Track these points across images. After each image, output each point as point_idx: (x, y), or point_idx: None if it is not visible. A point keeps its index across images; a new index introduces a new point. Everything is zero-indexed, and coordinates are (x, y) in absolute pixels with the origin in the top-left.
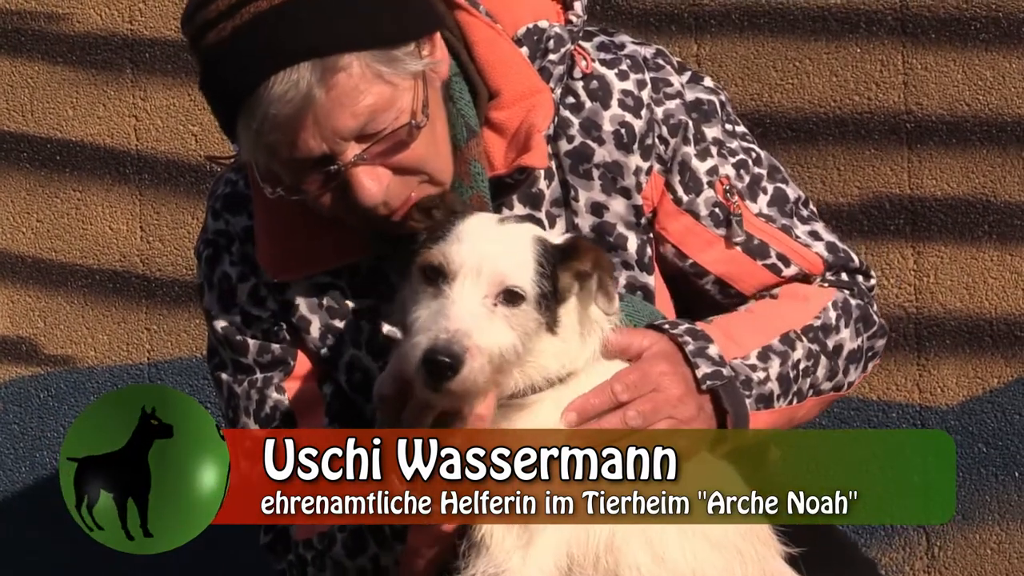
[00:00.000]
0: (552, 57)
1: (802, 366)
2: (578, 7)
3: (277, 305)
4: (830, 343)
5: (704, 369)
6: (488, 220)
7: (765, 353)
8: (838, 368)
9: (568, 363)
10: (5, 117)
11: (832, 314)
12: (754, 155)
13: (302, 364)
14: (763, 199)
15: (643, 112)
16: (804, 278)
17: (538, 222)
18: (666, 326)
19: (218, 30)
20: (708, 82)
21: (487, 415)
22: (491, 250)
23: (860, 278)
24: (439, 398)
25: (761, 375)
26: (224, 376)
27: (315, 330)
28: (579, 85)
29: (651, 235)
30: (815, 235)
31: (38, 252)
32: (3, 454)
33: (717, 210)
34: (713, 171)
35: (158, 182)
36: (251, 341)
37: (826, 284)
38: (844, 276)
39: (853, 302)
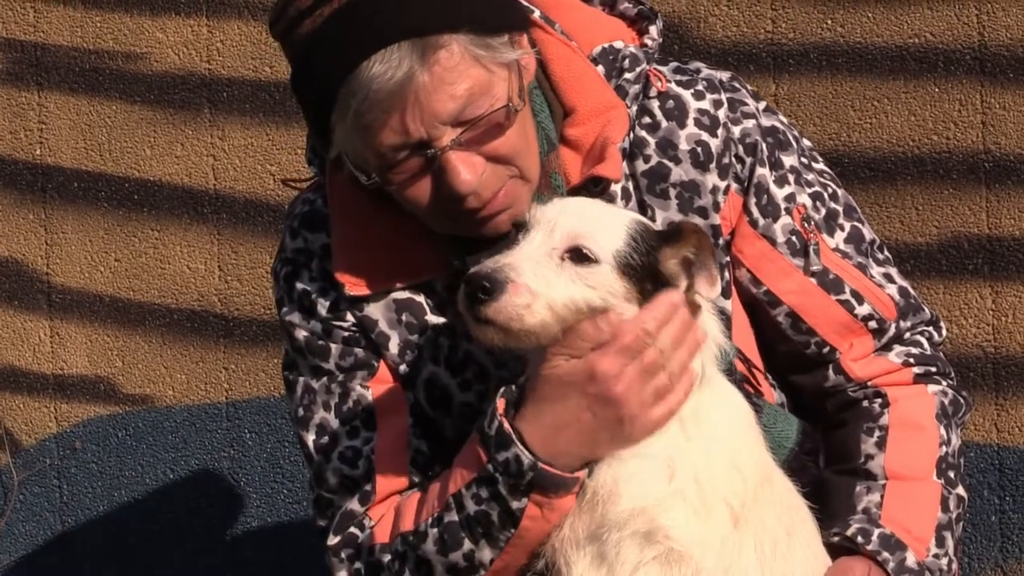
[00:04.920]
0: (628, 76)
1: (955, 514)
2: (653, 31)
3: (356, 320)
4: (953, 459)
5: None
6: (591, 200)
7: (940, 535)
8: (961, 467)
9: None
10: (83, 156)
11: (944, 433)
12: (830, 190)
13: (385, 368)
14: (840, 235)
15: (719, 131)
16: (878, 328)
17: None
18: (859, 539)
19: (313, 18)
20: (782, 118)
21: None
22: (574, 211)
23: (932, 331)
24: (482, 330)
25: (945, 562)
26: (300, 378)
27: (394, 346)
28: (655, 104)
29: (729, 258)
30: (889, 277)
31: (116, 291)
32: (81, 493)
33: (794, 238)
34: (791, 198)
35: (236, 221)
36: (333, 346)
37: (909, 362)
38: (915, 329)
39: (947, 399)
